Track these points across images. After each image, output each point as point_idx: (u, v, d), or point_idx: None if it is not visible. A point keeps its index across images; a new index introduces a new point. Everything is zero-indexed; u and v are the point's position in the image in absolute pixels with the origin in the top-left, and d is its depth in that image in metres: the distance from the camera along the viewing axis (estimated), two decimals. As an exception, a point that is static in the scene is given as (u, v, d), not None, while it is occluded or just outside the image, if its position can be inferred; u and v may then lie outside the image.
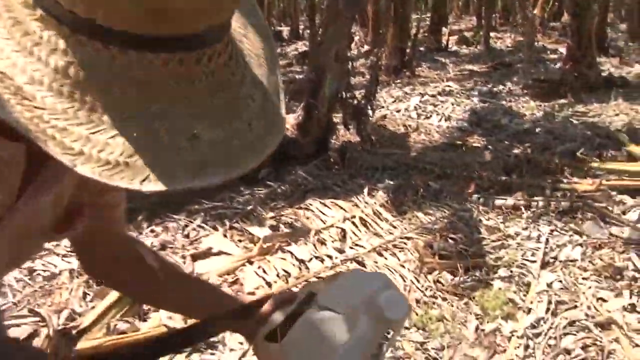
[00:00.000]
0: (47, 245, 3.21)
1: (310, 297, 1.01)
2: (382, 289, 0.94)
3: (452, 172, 4.77)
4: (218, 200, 4.22)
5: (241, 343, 2.68)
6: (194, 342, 1.07)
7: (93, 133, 0.53)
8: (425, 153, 5.40)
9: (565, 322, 2.91)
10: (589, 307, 3.03)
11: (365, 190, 4.36)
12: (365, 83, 7.12)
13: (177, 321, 2.69)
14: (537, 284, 3.22)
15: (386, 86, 8.05)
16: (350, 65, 5.77)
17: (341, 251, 3.50)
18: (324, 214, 3.99)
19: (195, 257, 3.40)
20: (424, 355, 2.71)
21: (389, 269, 3.28)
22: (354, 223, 3.82)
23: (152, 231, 3.77)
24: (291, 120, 5.42)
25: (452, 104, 7.18)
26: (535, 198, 4.22)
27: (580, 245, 3.59)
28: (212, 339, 2.67)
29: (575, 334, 2.85)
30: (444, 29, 12.37)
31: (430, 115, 6.72)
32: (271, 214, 4.03)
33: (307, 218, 3.92)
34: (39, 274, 3.20)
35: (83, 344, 2.60)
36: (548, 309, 3.01)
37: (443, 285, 3.25)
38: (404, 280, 3.22)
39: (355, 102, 5.53)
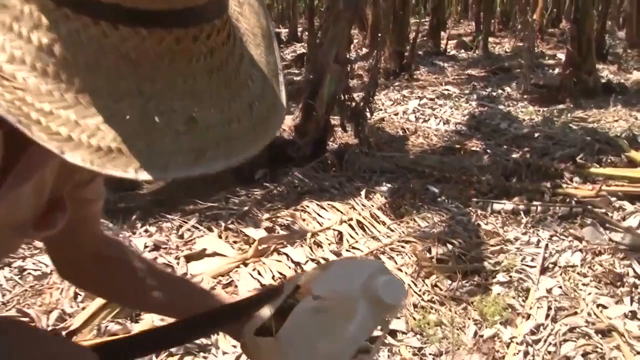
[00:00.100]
0: (38, 244, 3.15)
1: (297, 289, 0.98)
2: (377, 274, 0.91)
3: (451, 176, 4.72)
4: (213, 200, 4.17)
5: (234, 346, 2.62)
6: (200, 335, 1.02)
7: (82, 117, 0.48)
8: (424, 156, 5.36)
9: (565, 329, 2.86)
10: (589, 314, 2.98)
11: (363, 193, 4.31)
12: (363, 85, 7.09)
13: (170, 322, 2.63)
14: (536, 290, 3.17)
15: (384, 89, 8.02)
16: (349, 68, 5.72)
17: (338, 254, 3.45)
18: (320, 216, 3.94)
19: (189, 258, 3.34)
20: (422, 361, 2.66)
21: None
22: (351, 226, 3.77)
23: (146, 231, 3.70)
24: (289, 122, 5.37)
25: (451, 108, 7.14)
26: (535, 203, 4.18)
27: (580, 250, 3.55)
28: (204, 342, 2.61)
29: (575, 341, 2.80)
30: (442, 33, 12.36)
31: (429, 119, 6.68)
32: (267, 216, 3.98)
33: (304, 220, 3.86)
34: (29, 273, 3.14)
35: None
36: (548, 315, 2.96)
37: (441, 289, 3.20)
38: (402, 284, 3.16)
39: (354, 104, 5.49)
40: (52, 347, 0.76)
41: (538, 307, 3.01)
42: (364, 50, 11.10)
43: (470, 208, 4.17)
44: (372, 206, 4.11)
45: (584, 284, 3.25)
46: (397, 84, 8.61)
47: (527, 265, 3.42)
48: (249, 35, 0.60)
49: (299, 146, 5.15)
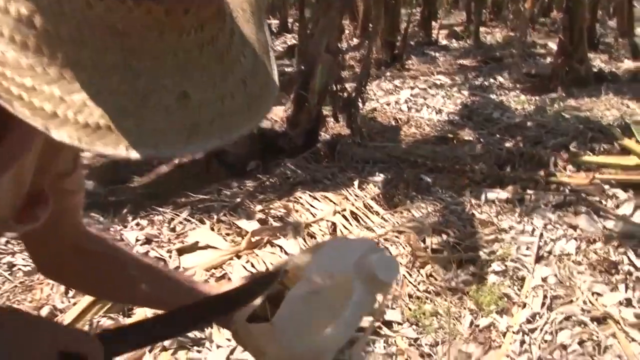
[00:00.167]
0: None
1: (285, 274, 0.97)
2: (370, 252, 0.91)
3: (444, 165, 4.70)
4: (205, 193, 4.12)
5: (229, 339, 2.59)
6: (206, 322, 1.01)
7: (67, 93, 0.44)
8: (417, 146, 5.33)
9: (561, 317, 2.85)
10: (584, 302, 2.98)
11: (356, 184, 4.28)
12: (355, 76, 7.04)
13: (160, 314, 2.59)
14: (531, 279, 3.16)
15: (376, 79, 7.97)
16: (341, 58, 5.68)
17: (332, 245, 3.41)
18: (313, 207, 3.90)
19: (181, 251, 3.30)
20: (418, 352, 2.64)
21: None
22: (344, 217, 3.74)
23: (137, 224, 3.66)
24: (280, 113, 5.33)
25: (443, 98, 7.11)
26: (529, 191, 4.16)
27: (575, 239, 3.53)
28: (198, 336, 2.58)
29: (571, 329, 2.79)
30: (434, 23, 12.31)
31: (421, 109, 6.65)
32: (260, 207, 3.94)
33: (297, 211, 3.83)
34: (19, 269, 3.09)
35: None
36: (543, 304, 2.95)
37: (436, 279, 3.18)
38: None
39: (346, 94, 5.45)
40: (56, 334, 0.74)
41: (534, 296, 3.00)
42: (355, 40, 11.04)
43: (464, 197, 4.14)
44: (366, 196, 4.08)
45: (579, 272, 3.24)
46: (388, 74, 8.57)
47: (522, 254, 3.40)
48: (238, 11, 0.57)
49: (290, 137, 5.11)
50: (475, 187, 4.30)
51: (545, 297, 3.00)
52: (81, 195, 0.93)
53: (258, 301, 0.96)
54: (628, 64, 9.06)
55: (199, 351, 2.50)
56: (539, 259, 3.36)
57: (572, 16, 7.60)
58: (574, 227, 3.67)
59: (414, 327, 2.79)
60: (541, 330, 2.77)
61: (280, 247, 3.32)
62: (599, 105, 6.66)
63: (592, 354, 2.65)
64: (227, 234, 3.54)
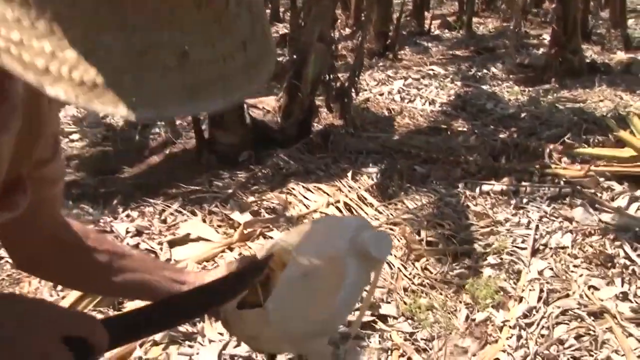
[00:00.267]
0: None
1: (271, 258, 0.95)
2: (362, 230, 0.89)
3: (438, 156, 4.65)
4: (196, 184, 4.06)
5: (221, 334, 2.54)
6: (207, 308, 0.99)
7: (59, 49, 0.42)
8: (410, 137, 5.28)
9: (557, 311, 2.82)
10: (581, 296, 2.95)
11: (349, 175, 4.23)
12: (348, 65, 6.97)
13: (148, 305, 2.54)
14: (527, 272, 3.13)
15: (368, 69, 7.90)
16: (334, 47, 5.60)
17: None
18: (306, 198, 3.85)
19: (172, 244, 3.24)
20: (413, 347, 2.60)
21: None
22: (338, 208, 3.69)
23: (127, 216, 3.59)
24: (272, 103, 5.26)
25: (436, 88, 7.05)
26: (524, 183, 4.12)
27: (571, 232, 3.50)
28: (190, 330, 2.53)
29: (568, 324, 2.77)
30: (426, 13, 12.23)
31: (414, 99, 6.59)
32: (252, 199, 3.88)
33: (290, 203, 3.78)
34: (6, 262, 3.02)
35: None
36: (540, 298, 2.92)
37: (431, 273, 3.14)
38: (391, 268, 3.10)
39: (339, 84, 5.38)
40: (61, 318, 0.71)
41: (530, 290, 2.97)
42: (347, 30, 10.95)
43: (459, 189, 4.10)
44: (359, 188, 4.03)
45: (575, 266, 3.21)
46: (381, 64, 8.50)
47: (517, 247, 3.37)
48: None
49: (283, 127, 5.04)
50: (470, 179, 4.26)
51: (541, 290, 2.96)
52: (61, 185, 0.89)
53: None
54: (620, 56, 9.02)
55: (190, 346, 2.45)
56: (534, 252, 3.33)
57: (566, 6, 7.55)
58: (570, 220, 3.64)
59: (409, 321, 2.75)
60: (538, 324, 2.74)
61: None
62: (592, 97, 6.63)
63: (589, 348, 2.62)
64: (219, 226, 3.49)
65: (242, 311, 0.92)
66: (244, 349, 2.40)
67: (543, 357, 2.55)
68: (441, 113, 6.12)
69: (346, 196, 3.86)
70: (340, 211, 3.65)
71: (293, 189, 3.97)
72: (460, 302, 2.92)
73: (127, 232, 3.31)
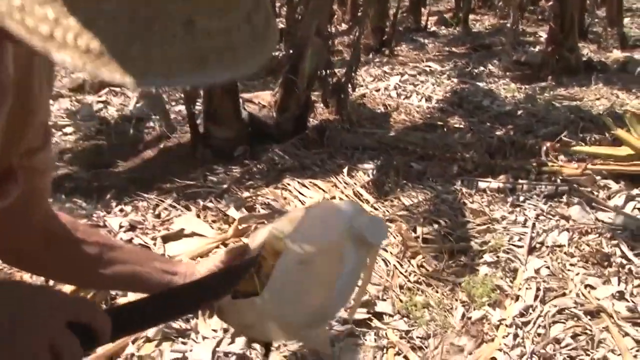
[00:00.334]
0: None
1: (262, 247, 0.94)
2: (356, 216, 0.88)
3: (435, 153, 4.63)
4: (191, 178, 4.02)
5: (215, 330, 2.51)
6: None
7: (62, 15, 0.41)
8: (406, 133, 5.25)
9: (554, 310, 2.80)
10: (577, 295, 2.93)
11: (345, 171, 4.20)
12: (344, 61, 6.93)
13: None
14: (524, 270, 3.11)
15: (365, 65, 7.87)
16: (331, 42, 5.57)
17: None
18: (302, 194, 3.82)
19: (166, 239, 3.21)
20: (409, 345, 2.58)
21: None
22: (334, 204, 3.65)
23: (121, 210, 3.55)
24: (268, 97, 5.23)
25: (433, 85, 7.03)
26: (520, 181, 4.10)
27: (567, 230, 3.48)
28: (183, 327, 2.49)
29: (564, 323, 2.75)
30: (422, 9, 12.20)
31: (411, 95, 6.56)
32: (247, 194, 3.85)
33: (285, 199, 3.75)
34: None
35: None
36: (536, 297, 2.90)
37: (427, 270, 3.12)
38: (387, 265, 3.08)
39: (335, 79, 5.35)
40: (65, 304, 0.70)
41: (527, 288, 2.95)
42: (344, 26, 10.91)
43: (455, 186, 4.08)
44: (355, 184, 4.01)
45: (571, 264, 3.19)
46: (377, 60, 8.47)
47: (514, 245, 3.35)
48: None
49: (279, 122, 5.01)
50: (467, 176, 4.24)
51: (538, 289, 2.94)
52: (50, 176, 0.88)
53: None
54: (617, 54, 9.02)
55: (184, 342, 2.42)
56: (531, 250, 3.31)
57: (563, 4, 7.53)
58: (567, 218, 3.62)
59: (405, 319, 2.73)
60: (534, 323, 2.72)
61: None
62: (589, 95, 6.62)
63: (586, 348, 2.60)
64: (214, 221, 3.45)
65: (238, 301, 0.91)
66: (237, 346, 2.38)
67: (539, 356, 2.53)
68: (437, 110, 6.09)
69: (342, 192, 3.83)
70: (336, 207, 3.61)
71: (288, 184, 3.94)
72: (457, 300, 2.90)
73: (121, 227, 3.27)
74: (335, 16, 11.12)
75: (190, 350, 2.34)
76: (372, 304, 2.76)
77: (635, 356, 2.56)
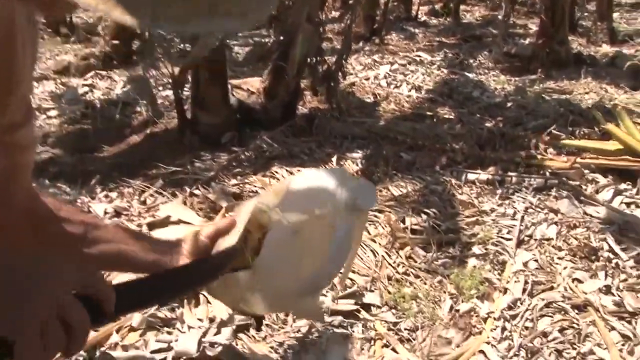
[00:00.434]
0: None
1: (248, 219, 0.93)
2: (344, 181, 0.87)
3: (424, 143, 4.60)
4: (177, 165, 3.97)
5: (200, 320, 2.47)
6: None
7: None
8: (396, 123, 5.22)
9: (542, 304, 2.80)
10: (565, 289, 2.92)
11: (334, 160, 4.17)
12: (334, 48, 6.88)
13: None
14: (512, 263, 3.10)
15: (355, 53, 7.81)
16: (321, 29, 5.50)
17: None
18: (290, 183, 3.78)
19: (152, 226, 3.16)
20: (397, 337, 2.56)
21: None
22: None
23: (106, 196, 3.49)
24: (257, 84, 5.16)
25: (423, 74, 6.99)
26: (510, 173, 4.09)
27: (556, 223, 3.48)
28: (169, 316, 2.45)
29: (551, 316, 2.74)
30: (413, -2, 12.17)
31: (400, 85, 6.52)
32: (234, 181, 3.81)
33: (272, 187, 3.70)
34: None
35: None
36: (524, 290, 2.89)
37: (415, 262, 3.10)
38: (375, 256, 3.05)
39: (326, 67, 5.29)
40: (71, 274, 0.69)
41: (515, 282, 2.94)
42: (334, 14, 10.83)
43: (445, 177, 4.06)
44: (344, 174, 3.96)
45: (559, 258, 3.19)
46: (367, 48, 8.42)
47: (503, 238, 3.33)
48: None
49: (267, 109, 4.95)
50: (456, 167, 4.22)
51: (526, 282, 2.93)
52: (33, 153, 0.85)
53: None
54: (606, 48, 9.04)
55: (169, 332, 2.38)
56: (520, 243, 3.30)
57: (554, -3, 7.53)
58: (555, 212, 3.61)
59: (393, 310, 2.71)
60: (522, 316, 2.71)
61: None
62: (578, 88, 6.62)
63: (573, 342, 2.60)
64: (200, 209, 3.41)
65: (228, 275, 0.89)
66: (224, 336, 2.34)
67: (527, 349, 2.52)
68: (427, 100, 6.06)
69: (331, 181, 3.79)
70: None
71: (276, 172, 3.90)
72: (445, 292, 2.89)
73: (106, 213, 3.22)
74: (326, 3, 11.04)
75: (176, 340, 2.30)
76: (360, 295, 2.74)
77: (621, 350, 2.56)
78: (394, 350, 2.47)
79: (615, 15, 11.10)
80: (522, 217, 3.53)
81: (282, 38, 4.99)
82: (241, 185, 3.73)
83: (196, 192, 3.57)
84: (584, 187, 3.98)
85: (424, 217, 3.47)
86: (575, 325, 2.69)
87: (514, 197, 3.82)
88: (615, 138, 4.25)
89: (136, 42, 6.83)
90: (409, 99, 6.05)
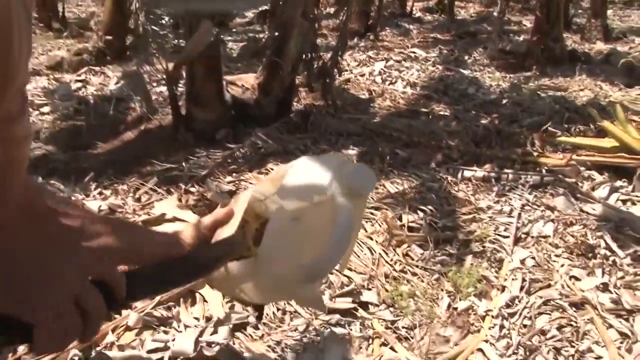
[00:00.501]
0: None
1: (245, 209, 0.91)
2: (342, 166, 0.86)
3: (420, 140, 4.58)
4: (172, 161, 3.93)
5: (197, 319, 2.45)
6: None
7: None
8: (391, 119, 5.20)
9: (539, 302, 2.78)
10: (562, 286, 2.91)
11: (330, 157, 4.13)
12: (329, 45, 6.84)
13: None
14: (510, 261, 3.08)
15: (349, 49, 7.78)
16: (317, 25, 5.47)
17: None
18: (286, 180, 3.75)
19: (147, 223, 3.12)
20: (395, 335, 2.54)
21: (356, 241, 3.08)
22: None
23: (100, 194, 3.46)
24: (252, 80, 5.13)
25: (418, 71, 6.98)
26: (506, 171, 4.08)
27: (552, 221, 3.47)
28: (165, 315, 2.43)
29: (549, 314, 2.73)
30: (407, -5, 12.14)
31: (395, 81, 6.50)
32: (229, 178, 3.78)
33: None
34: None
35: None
36: (522, 287, 2.87)
37: (413, 259, 3.08)
38: (372, 253, 3.03)
39: (321, 63, 5.27)
40: (86, 259, 0.70)
41: (513, 279, 2.93)
42: (329, 9, 10.80)
43: (441, 174, 4.04)
44: (340, 171, 3.94)
45: (556, 255, 3.18)
46: (362, 44, 8.39)
47: (500, 235, 3.32)
48: None
49: (261, 105, 4.92)
50: (452, 164, 4.20)
51: (523, 280, 2.92)
52: (29, 146, 0.82)
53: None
54: (600, 46, 9.06)
55: (165, 332, 2.35)
56: (517, 240, 3.29)
57: (549, -7, 7.52)
58: (552, 209, 3.60)
59: (390, 309, 2.69)
60: (520, 314, 2.70)
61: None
62: (573, 85, 6.62)
63: (571, 339, 2.59)
64: (195, 206, 3.37)
65: (230, 264, 0.88)
66: (221, 336, 2.32)
67: (525, 347, 2.51)
68: (422, 96, 6.05)
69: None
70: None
71: (272, 169, 3.87)
72: (442, 290, 2.87)
73: (100, 211, 3.18)
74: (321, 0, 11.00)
75: (173, 340, 2.27)
76: (357, 293, 2.72)
77: (619, 348, 2.55)
78: (392, 349, 2.46)
79: (609, 12, 11.13)
80: (519, 215, 3.52)
81: (276, 34, 4.95)
82: (236, 182, 3.70)
83: (191, 189, 3.53)
84: (580, 184, 3.98)
85: (421, 214, 3.45)
86: (573, 323, 2.68)
87: (510, 194, 3.81)
88: (611, 135, 4.24)
89: (130, 38, 6.77)
90: (404, 96, 6.03)
